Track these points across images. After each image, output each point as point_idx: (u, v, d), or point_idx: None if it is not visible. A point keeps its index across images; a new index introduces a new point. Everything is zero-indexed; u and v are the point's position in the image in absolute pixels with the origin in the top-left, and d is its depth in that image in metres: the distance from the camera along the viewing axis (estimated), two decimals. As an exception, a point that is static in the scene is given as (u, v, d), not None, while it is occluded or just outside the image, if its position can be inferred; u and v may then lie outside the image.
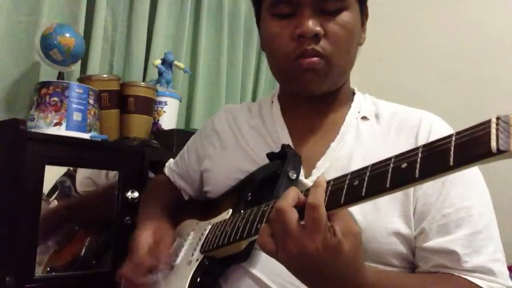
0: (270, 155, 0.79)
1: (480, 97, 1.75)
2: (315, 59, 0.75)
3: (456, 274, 0.69)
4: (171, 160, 1.10)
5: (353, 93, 0.89)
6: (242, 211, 0.74)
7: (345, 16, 0.76)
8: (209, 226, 0.80)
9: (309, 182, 0.76)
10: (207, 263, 0.75)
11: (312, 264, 0.54)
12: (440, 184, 0.72)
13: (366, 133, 0.81)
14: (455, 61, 1.84)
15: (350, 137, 0.80)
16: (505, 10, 1.76)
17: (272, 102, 0.92)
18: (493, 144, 0.40)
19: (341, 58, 0.78)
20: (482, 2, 1.83)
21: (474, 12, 1.83)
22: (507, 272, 0.71)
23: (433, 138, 0.75)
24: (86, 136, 1.22)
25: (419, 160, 0.47)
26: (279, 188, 0.73)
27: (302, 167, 0.78)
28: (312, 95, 0.82)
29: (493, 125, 0.41)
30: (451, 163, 0.43)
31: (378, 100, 0.88)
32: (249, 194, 0.79)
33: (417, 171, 0.46)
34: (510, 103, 1.66)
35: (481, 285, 0.68)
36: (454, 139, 0.44)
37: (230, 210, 0.79)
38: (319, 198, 0.53)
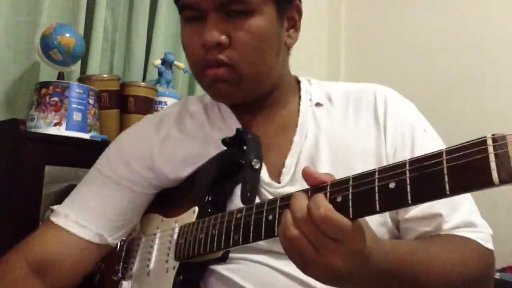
0: (226, 141, 0.75)
1: (473, 94, 1.75)
2: (219, 69, 0.72)
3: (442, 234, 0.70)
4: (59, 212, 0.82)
5: (298, 82, 0.86)
6: (209, 210, 0.73)
7: (254, 21, 0.71)
8: (177, 228, 0.77)
9: (281, 187, 0.74)
10: (184, 270, 0.73)
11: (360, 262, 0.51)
12: (409, 151, 0.73)
13: (324, 119, 0.79)
14: (451, 58, 1.84)
15: (310, 127, 0.79)
16: (498, 5, 1.76)
17: (219, 107, 0.85)
18: (495, 174, 0.38)
19: (252, 66, 0.73)
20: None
21: (469, 9, 1.83)
22: (484, 222, 0.73)
23: (390, 109, 0.77)
24: (86, 136, 1.22)
25: (408, 181, 0.44)
26: (246, 181, 0.71)
27: (269, 168, 0.76)
28: (233, 104, 0.79)
29: (490, 149, 0.38)
30: (448, 192, 0.41)
31: (324, 82, 0.86)
32: (210, 190, 0.75)
33: (409, 196, 0.43)
34: (501, 98, 1.66)
35: (469, 236, 0.69)
36: (445, 159, 0.42)
37: (196, 209, 0.76)
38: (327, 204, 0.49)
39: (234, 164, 0.73)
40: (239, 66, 0.72)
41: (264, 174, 0.75)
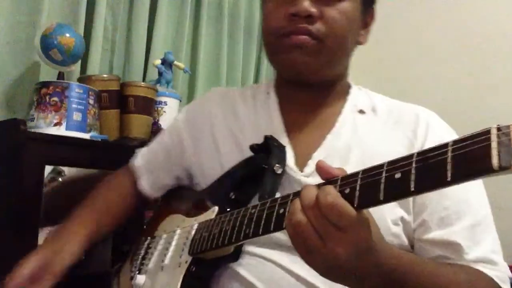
0: (254, 147, 0.77)
1: (474, 93, 1.76)
2: (305, 37, 0.74)
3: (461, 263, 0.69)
4: (142, 153, 1.01)
5: (349, 87, 0.88)
6: (228, 209, 0.73)
7: (345, 4, 0.76)
8: (196, 226, 0.78)
9: (304, 176, 0.75)
10: (196, 265, 0.74)
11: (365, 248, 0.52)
12: None
13: (363, 125, 0.81)
14: (452, 59, 1.85)
15: (347, 130, 0.80)
16: (499, 6, 1.76)
17: (268, 93, 0.89)
18: (495, 160, 0.38)
19: (336, 43, 0.76)
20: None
21: (471, 9, 1.84)
22: (505, 263, 0.72)
23: (431, 132, 0.78)
24: (86, 136, 1.22)
25: (413, 171, 0.45)
26: (266, 184, 0.72)
27: (296, 159, 0.77)
28: (298, 76, 0.80)
29: (494, 137, 0.39)
30: (449, 178, 0.42)
31: (372, 93, 0.88)
32: (233, 191, 0.77)
33: (412, 184, 0.44)
34: (504, 98, 1.67)
35: (488, 273, 0.68)
36: (450, 149, 0.42)
37: (216, 209, 0.77)
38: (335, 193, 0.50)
39: (258, 169, 0.74)
40: (325, 39, 0.75)
41: (290, 159, 0.77)
